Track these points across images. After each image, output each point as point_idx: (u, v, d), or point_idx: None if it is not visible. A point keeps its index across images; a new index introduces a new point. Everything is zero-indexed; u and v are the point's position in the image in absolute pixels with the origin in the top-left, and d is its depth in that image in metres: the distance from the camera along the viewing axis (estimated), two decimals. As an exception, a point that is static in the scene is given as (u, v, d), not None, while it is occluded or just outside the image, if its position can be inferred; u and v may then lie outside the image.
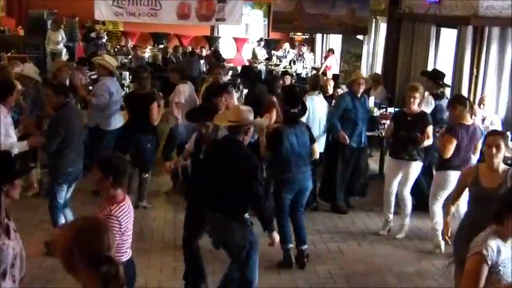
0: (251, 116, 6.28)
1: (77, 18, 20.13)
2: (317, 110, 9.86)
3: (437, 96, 10.08)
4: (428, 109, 9.77)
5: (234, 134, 6.15)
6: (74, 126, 7.91)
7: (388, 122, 11.15)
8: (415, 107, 8.91)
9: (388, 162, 9.20)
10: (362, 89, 10.35)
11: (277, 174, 7.95)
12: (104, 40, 20.93)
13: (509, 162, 6.98)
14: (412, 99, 8.85)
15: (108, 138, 10.04)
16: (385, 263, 8.22)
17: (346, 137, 9.58)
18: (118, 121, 10.16)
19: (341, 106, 10.02)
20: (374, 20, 17.06)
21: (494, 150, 5.95)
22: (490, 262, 4.11)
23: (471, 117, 8.63)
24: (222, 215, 5.97)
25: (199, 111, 7.28)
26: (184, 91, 10.10)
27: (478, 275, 4.12)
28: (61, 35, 19.23)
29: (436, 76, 10.50)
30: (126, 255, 4.83)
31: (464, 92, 11.51)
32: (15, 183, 4.35)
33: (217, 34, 23.96)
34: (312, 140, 8.23)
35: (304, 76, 18.09)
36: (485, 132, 8.69)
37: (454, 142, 8.10)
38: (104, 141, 9.96)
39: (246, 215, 6.05)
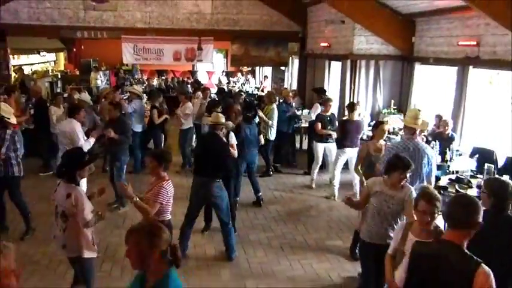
0: (223, 119, 6.33)
1: (138, 66, 20.07)
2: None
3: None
4: (316, 112, 9.79)
5: (214, 130, 6.21)
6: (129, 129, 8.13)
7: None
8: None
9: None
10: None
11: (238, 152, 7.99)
12: (127, 75, 20.77)
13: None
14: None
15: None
16: (309, 203, 8.30)
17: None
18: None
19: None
20: (291, 57, 17.08)
21: (386, 131, 6.35)
22: (369, 191, 4.44)
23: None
24: (207, 178, 5.91)
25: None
26: (189, 107, 10.02)
27: (364, 196, 4.55)
28: (99, 75, 18.64)
29: (321, 91, 10.62)
30: (169, 215, 4.81)
31: (347, 100, 11.73)
32: (84, 168, 4.37)
33: (196, 69, 23.69)
34: (259, 132, 8.44)
35: (251, 92, 18.15)
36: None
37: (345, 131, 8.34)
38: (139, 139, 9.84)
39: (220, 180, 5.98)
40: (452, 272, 2.71)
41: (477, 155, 8.13)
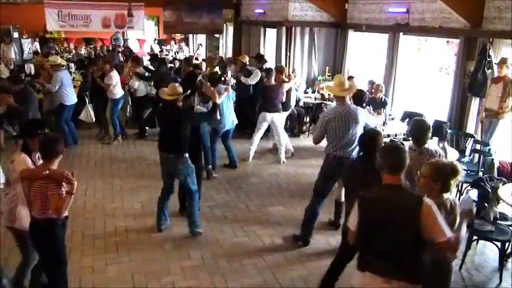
0: (180, 89, 5.64)
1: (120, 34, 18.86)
2: None
3: (262, 70, 9.93)
4: (257, 78, 9.79)
5: (173, 102, 5.55)
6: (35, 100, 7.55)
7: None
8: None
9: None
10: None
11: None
12: (52, 44, 19.40)
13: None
14: (284, 75, 8.77)
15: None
16: (250, 170, 8.22)
17: None
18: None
19: None
20: (225, 25, 16.79)
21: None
22: None
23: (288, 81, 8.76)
24: (172, 154, 5.55)
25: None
26: (114, 76, 9.31)
27: None
28: (13, 48, 16.98)
29: (261, 57, 10.56)
30: None
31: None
32: (33, 139, 3.92)
33: (127, 37, 22.61)
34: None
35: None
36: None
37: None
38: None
39: (186, 155, 5.57)
40: (401, 209, 2.94)
41: (408, 119, 8.47)
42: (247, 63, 10.40)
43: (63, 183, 3.64)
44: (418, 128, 4.52)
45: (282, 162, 8.57)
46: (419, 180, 3.45)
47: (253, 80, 9.72)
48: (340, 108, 5.32)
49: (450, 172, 3.33)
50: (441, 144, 6.01)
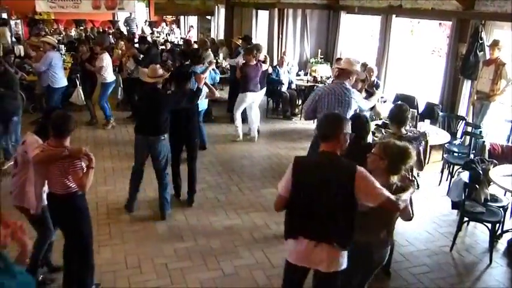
0: (161, 71, 5.66)
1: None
2: None
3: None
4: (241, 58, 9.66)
5: (155, 85, 5.61)
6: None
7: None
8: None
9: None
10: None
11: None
12: (42, 25, 19.00)
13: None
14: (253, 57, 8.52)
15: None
16: (242, 153, 8.13)
17: None
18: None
19: None
20: (217, 6, 16.57)
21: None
22: None
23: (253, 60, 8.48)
24: (152, 137, 5.54)
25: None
26: (105, 58, 9.18)
27: None
28: (8, 30, 16.59)
29: (248, 39, 10.42)
30: None
31: (275, 48, 11.65)
32: None
33: (117, 18, 22.25)
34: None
35: (176, 43, 17.43)
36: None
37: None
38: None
39: (165, 135, 5.60)
40: (336, 173, 2.99)
41: (400, 101, 8.43)
42: (241, 45, 10.31)
43: (82, 159, 3.73)
44: (398, 108, 4.52)
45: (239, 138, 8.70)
46: (369, 158, 3.31)
47: (238, 59, 9.63)
48: (336, 86, 5.31)
49: (397, 152, 3.19)
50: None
